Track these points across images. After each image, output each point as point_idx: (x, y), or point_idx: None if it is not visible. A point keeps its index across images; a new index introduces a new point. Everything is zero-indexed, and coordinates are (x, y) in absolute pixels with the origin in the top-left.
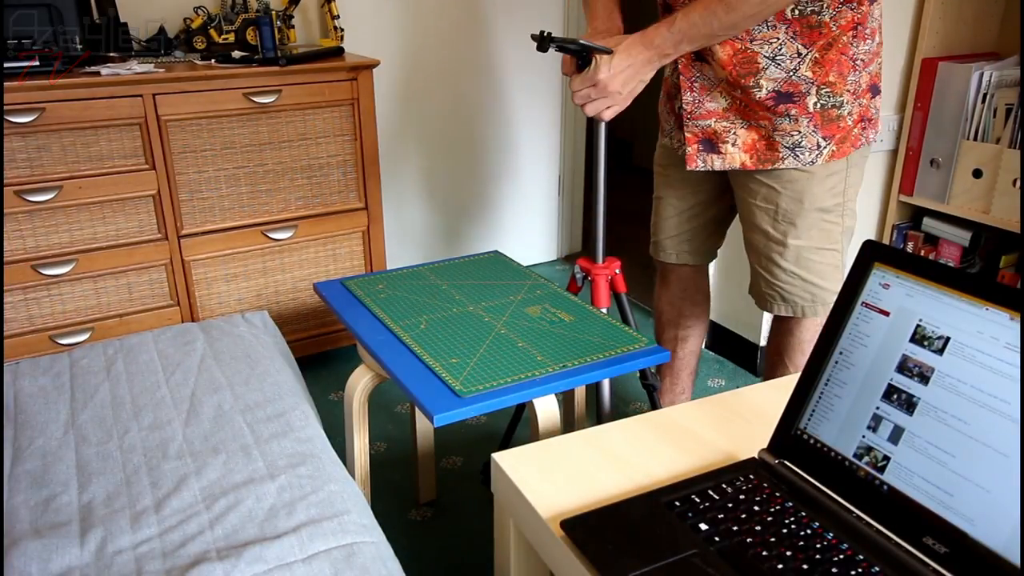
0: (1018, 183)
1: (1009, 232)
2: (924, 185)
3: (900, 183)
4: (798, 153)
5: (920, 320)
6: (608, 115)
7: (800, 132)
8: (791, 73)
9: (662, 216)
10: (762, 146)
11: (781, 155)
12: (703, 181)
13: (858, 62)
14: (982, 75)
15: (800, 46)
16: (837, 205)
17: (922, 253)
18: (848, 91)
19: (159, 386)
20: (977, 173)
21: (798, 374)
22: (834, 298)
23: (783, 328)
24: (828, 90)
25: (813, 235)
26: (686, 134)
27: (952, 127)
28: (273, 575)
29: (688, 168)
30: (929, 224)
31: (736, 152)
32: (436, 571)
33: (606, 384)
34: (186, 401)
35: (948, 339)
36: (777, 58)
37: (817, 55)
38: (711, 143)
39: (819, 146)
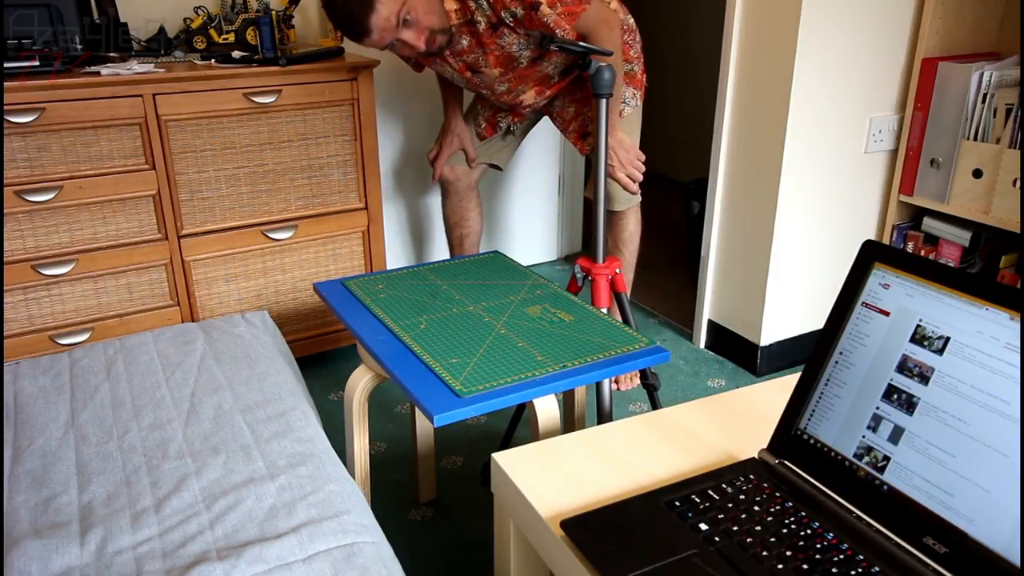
0: (1018, 183)
1: (1009, 232)
2: (924, 185)
3: (900, 183)
4: None
5: (920, 320)
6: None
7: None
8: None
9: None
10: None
11: None
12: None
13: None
14: (982, 75)
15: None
16: None
17: (922, 253)
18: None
19: (159, 386)
20: (977, 173)
21: (798, 374)
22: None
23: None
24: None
25: None
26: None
27: (952, 127)
28: (273, 575)
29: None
30: (929, 224)
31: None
32: (436, 571)
33: (606, 384)
34: (186, 401)
35: (948, 339)
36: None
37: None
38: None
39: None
